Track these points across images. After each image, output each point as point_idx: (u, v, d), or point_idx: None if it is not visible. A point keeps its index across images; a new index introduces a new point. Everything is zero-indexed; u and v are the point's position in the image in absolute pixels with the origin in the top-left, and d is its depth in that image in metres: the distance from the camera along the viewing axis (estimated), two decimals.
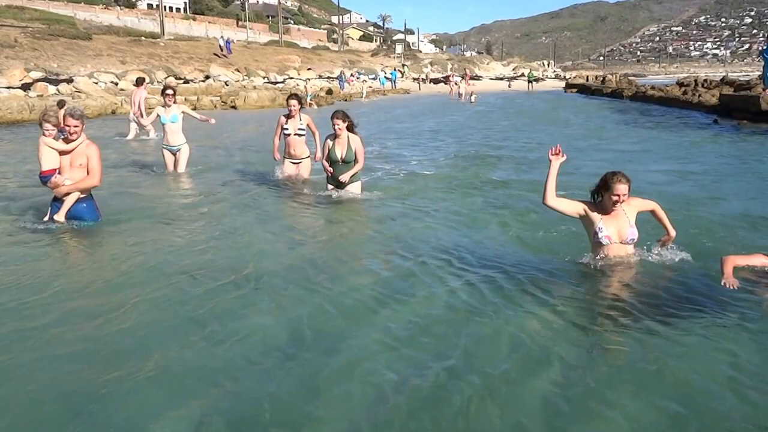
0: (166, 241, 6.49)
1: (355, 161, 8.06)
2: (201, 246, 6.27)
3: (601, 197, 4.98)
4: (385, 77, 56.40)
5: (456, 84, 48.33)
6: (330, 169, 8.16)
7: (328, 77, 53.61)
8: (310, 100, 30.96)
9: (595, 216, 5.01)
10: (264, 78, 47.26)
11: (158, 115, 10.24)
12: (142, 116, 14.87)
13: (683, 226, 6.94)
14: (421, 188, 9.51)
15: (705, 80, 35.78)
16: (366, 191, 8.70)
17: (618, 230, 4.99)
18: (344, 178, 8.11)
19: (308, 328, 4.15)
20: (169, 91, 10.34)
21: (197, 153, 11.08)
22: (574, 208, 5.05)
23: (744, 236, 6.55)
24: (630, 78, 55.00)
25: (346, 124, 7.89)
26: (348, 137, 7.93)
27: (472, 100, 36.62)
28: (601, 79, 54.72)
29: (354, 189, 8.29)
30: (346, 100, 38.31)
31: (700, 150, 13.97)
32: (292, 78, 49.20)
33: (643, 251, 5.33)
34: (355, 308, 4.55)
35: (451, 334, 4.06)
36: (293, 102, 9.22)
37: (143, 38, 47.99)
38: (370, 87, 48.87)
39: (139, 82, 17.13)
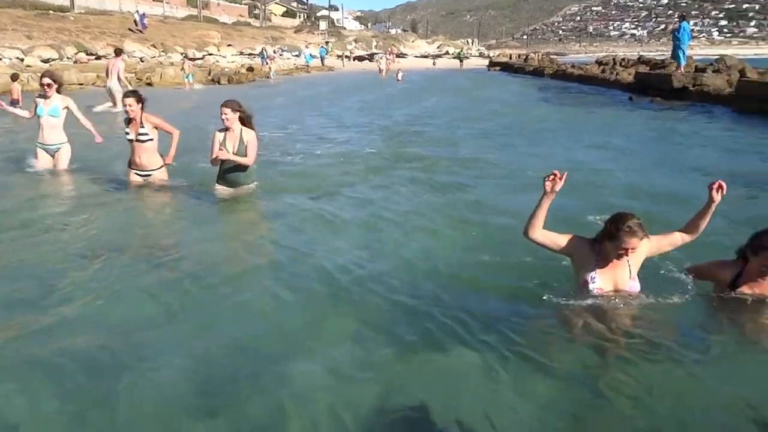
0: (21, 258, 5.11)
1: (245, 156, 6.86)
2: (61, 264, 4.92)
3: (603, 243, 3.85)
4: (310, 55, 55.24)
5: (380, 61, 47.94)
6: (220, 156, 6.78)
7: (250, 54, 51.99)
8: (191, 80, 28.41)
9: (589, 261, 3.89)
10: (182, 54, 45.23)
11: (36, 106, 8.30)
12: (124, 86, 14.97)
13: (606, 196, 7.11)
14: (345, 173, 8.85)
15: (623, 59, 36.81)
16: (282, 179, 8.12)
17: (614, 281, 3.90)
18: (236, 178, 6.99)
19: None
20: (46, 80, 8.25)
21: (90, 141, 8.62)
22: (564, 246, 3.94)
23: (662, 210, 6.56)
24: (552, 57, 56.19)
25: (237, 115, 6.78)
26: (241, 131, 6.83)
27: (399, 78, 36.32)
28: (524, 57, 55.72)
29: (245, 191, 7.14)
30: (268, 77, 37.10)
31: (617, 125, 14.21)
32: (211, 54, 47.37)
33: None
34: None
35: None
36: (129, 101, 7.19)
37: (51, 12, 44.90)
38: (294, 65, 47.68)
39: (117, 52, 17.51)
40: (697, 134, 12.59)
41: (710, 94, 18.02)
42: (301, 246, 5.46)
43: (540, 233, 3.84)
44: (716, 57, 23.58)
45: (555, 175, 3.65)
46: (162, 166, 7.53)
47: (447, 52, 78.61)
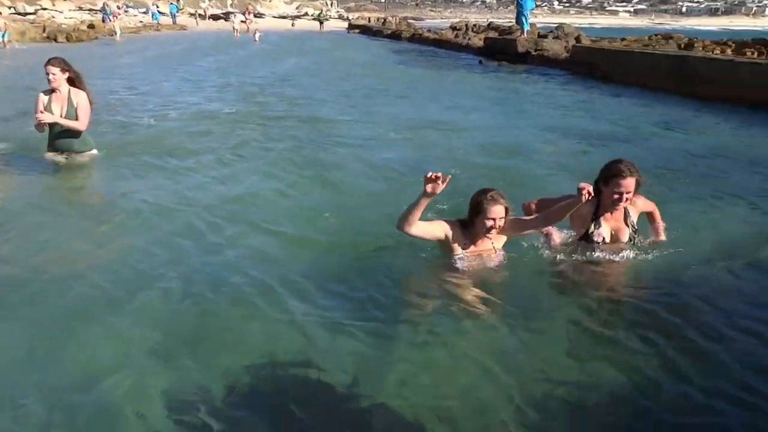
0: None
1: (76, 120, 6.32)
2: None
3: (471, 221, 3.88)
4: (158, 11, 51.90)
5: (234, 20, 46.23)
6: (42, 120, 6.20)
7: (90, 10, 47.84)
8: (6, 39, 25.86)
9: (460, 241, 3.91)
10: (10, 8, 40.69)
11: None
12: None
13: (460, 153, 7.66)
14: (200, 136, 8.60)
15: (474, 25, 38.55)
16: (130, 144, 7.69)
17: (482, 259, 3.97)
18: (68, 144, 6.46)
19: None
20: None
21: None
22: (438, 233, 3.89)
23: (511, 164, 7.23)
24: (409, 21, 57.27)
25: (65, 75, 6.26)
26: (69, 92, 6.29)
27: (256, 38, 35.30)
28: (383, 21, 56.25)
29: (84, 158, 6.63)
30: (113, 36, 34.42)
31: (468, 87, 15.06)
32: (45, 9, 43.11)
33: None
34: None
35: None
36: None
37: None
38: (141, 22, 44.59)
39: None
40: (538, 94, 13.71)
41: (549, 59, 19.53)
42: (146, 219, 5.09)
43: (414, 227, 3.71)
44: (556, 25, 25.60)
45: (438, 177, 3.42)
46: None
47: (306, 14, 77.29)
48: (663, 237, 4.32)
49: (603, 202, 4.08)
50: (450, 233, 3.88)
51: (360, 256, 4.34)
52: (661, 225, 4.38)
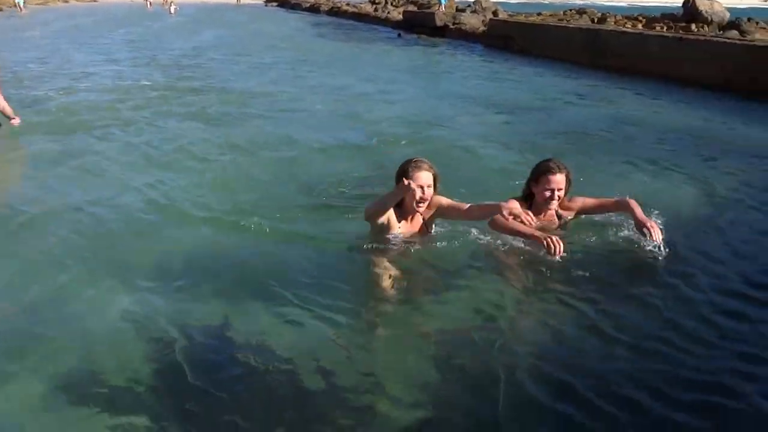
0: None
1: None
2: None
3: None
4: None
5: None
6: None
7: None
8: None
9: (394, 220, 3.66)
10: None
11: None
12: None
13: (382, 126, 7.57)
14: (114, 109, 8.19)
15: None
16: (40, 119, 7.24)
17: (412, 232, 3.74)
18: None
19: None
20: None
21: None
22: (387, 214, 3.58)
23: (434, 134, 7.19)
24: None
25: None
26: None
27: (172, 11, 33.81)
28: None
29: None
30: (16, 7, 31.96)
31: (387, 59, 14.94)
32: None
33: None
34: None
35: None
36: None
37: None
38: None
39: None
40: (456, 67, 13.79)
41: (467, 32, 19.68)
42: (53, 198, 4.78)
43: (382, 216, 3.50)
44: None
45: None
46: None
47: None
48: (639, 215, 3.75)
49: (535, 202, 3.94)
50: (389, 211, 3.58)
51: (287, 231, 4.15)
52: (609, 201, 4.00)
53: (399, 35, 21.47)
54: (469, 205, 3.64)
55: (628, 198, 3.88)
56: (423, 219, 3.69)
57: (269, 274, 3.45)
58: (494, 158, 6.26)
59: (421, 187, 3.47)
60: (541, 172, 3.86)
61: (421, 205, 3.57)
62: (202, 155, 6.04)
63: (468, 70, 13.16)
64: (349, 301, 3.20)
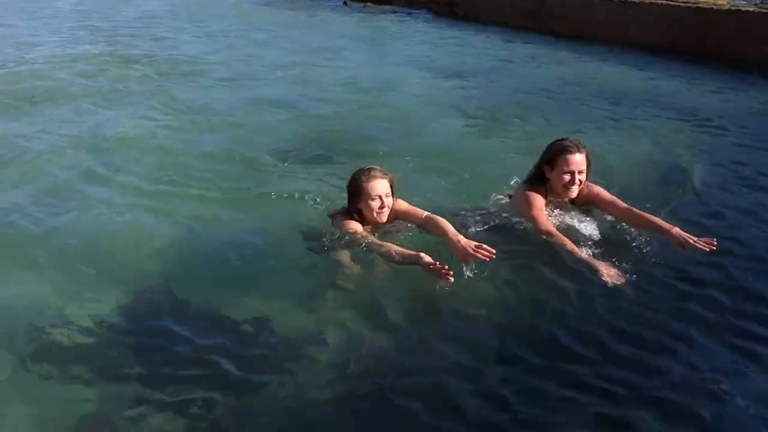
0: None
1: None
2: None
3: (356, 209, 3.42)
4: None
5: None
6: None
7: None
8: None
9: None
10: None
11: None
12: None
13: (329, 94, 7.37)
14: (61, 80, 7.69)
15: None
16: None
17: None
18: None
19: None
20: None
21: None
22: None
23: (386, 101, 7.04)
24: None
25: None
26: None
27: None
28: None
29: None
30: None
31: (334, 28, 14.57)
32: None
33: None
34: None
35: None
36: None
37: None
38: None
39: None
40: (403, 33, 13.56)
41: (414, 0, 19.35)
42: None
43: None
44: None
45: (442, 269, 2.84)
46: None
47: None
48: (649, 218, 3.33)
49: (551, 188, 3.54)
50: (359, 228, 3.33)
51: (245, 206, 4.02)
52: (621, 204, 3.50)
53: (345, 3, 20.98)
54: (426, 214, 3.32)
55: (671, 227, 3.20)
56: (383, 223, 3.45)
57: (209, 258, 3.40)
58: (446, 123, 6.16)
59: (379, 197, 3.29)
60: (556, 152, 3.47)
61: (382, 215, 3.34)
62: (154, 125, 5.86)
63: (415, 36, 12.98)
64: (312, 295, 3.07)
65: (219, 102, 6.87)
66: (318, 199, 3.99)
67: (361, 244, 3.21)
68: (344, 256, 3.23)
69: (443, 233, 3.10)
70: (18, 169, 4.73)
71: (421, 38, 12.70)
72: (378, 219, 3.35)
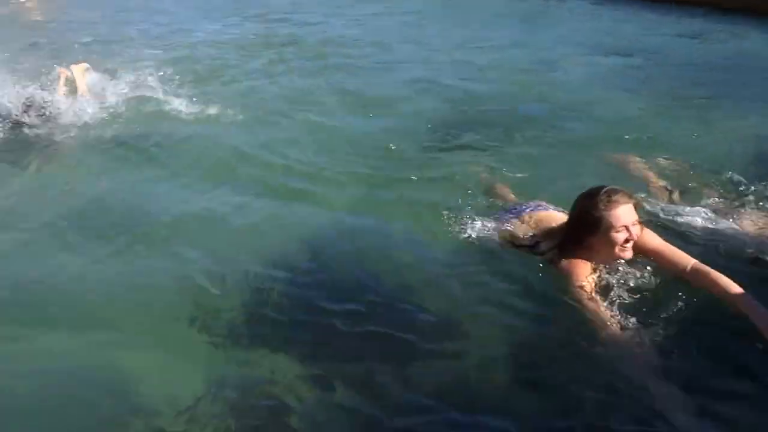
0: None
1: None
2: None
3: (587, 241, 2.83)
4: None
5: None
6: None
7: None
8: None
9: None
10: None
11: None
12: None
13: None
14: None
15: None
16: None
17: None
18: None
19: None
20: None
21: None
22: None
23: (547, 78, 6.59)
24: None
25: None
26: None
27: None
28: None
29: None
30: None
31: (485, 5, 13.93)
32: None
33: None
34: None
35: None
36: None
37: None
38: None
39: None
40: (559, 10, 12.62)
41: None
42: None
43: None
44: None
45: None
46: None
47: None
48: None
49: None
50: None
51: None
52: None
53: None
54: (693, 263, 2.61)
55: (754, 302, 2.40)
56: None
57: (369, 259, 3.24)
58: (618, 105, 5.59)
59: (625, 228, 2.61)
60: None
61: (627, 251, 2.66)
62: (306, 108, 5.84)
63: (573, 12, 12.16)
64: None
65: (372, 85, 6.81)
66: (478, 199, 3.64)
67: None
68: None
69: (739, 304, 2.39)
70: (182, 151, 4.86)
71: (580, 14, 11.85)
72: (624, 256, 2.67)
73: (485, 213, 3.28)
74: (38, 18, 13.45)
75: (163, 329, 2.75)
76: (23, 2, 15.75)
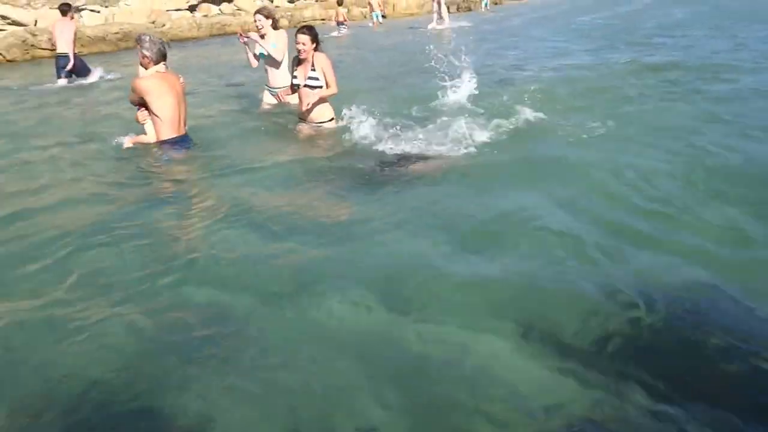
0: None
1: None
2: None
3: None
4: None
5: None
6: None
7: None
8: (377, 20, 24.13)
9: None
10: None
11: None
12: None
13: None
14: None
15: None
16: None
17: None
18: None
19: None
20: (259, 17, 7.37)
21: None
22: None
23: None
24: None
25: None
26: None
27: None
28: None
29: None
30: (470, 10, 32.25)
31: None
32: None
33: None
34: None
35: None
36: (303, 38, 6.05)
37: None
38: None
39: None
40: None
41: None
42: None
43: None
44: None
45: None
46: (331, 119, 6.34)
47: None
48: None
49: None
50: None
51: None
52: None
53: None
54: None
55: None
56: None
57: None
58: None
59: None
60: None
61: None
62: (681, 136, 5.47)
63: None
64: None
65: (748, 109, 6.31)
66: None
67: None
68: None
69: None
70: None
71: None
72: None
73: None
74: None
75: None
76: (337, 36, 20.20)
